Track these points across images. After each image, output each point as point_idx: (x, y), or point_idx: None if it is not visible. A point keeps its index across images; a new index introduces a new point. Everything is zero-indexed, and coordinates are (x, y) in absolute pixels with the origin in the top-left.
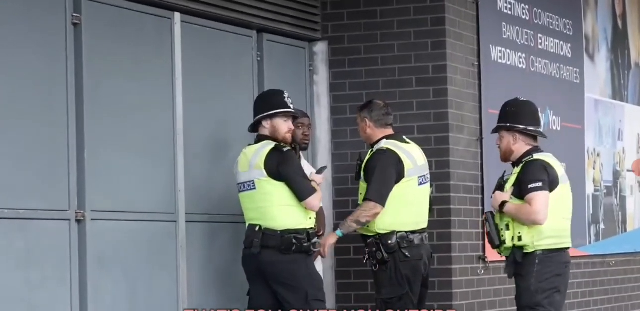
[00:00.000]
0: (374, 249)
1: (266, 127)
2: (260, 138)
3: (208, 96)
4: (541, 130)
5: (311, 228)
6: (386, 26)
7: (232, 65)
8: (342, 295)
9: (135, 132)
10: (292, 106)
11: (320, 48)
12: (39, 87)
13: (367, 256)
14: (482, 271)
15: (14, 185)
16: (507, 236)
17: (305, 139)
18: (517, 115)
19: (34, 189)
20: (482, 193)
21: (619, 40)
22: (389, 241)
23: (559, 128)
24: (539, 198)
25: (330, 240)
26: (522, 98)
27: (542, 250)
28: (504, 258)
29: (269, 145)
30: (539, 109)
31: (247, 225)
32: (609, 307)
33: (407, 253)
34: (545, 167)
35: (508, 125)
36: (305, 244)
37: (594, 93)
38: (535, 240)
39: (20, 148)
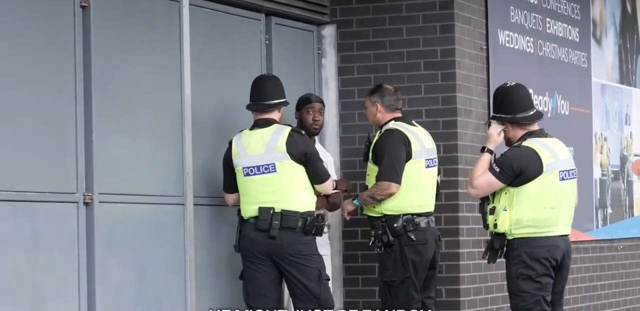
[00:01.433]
0: (380, 232)
1: (279, 113)
2: (266, 122)
3: (216, 79)
4: (534, 111)
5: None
6: (394, 10)
7: (241, 49)
8: (349, 278)
9: (144, 115)
10: None
11: (329, 31)
12: (47, 70)
13: (373, 239)
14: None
15: (22, 168)
16: (490, 221)
17: (315, 124)
18: (506, 104)
19: (41, 172)
20: None
21: (628, 25)
22: (395, 224)
23: (567, 113)
24: (484, 176)
25: (348, 206)
26: (510, 83)
27: (521, 238)
28: None
29: (285, 129)
30: (547, 93)
31: (253, 208)
32: (616, 291)
33: (412, 237)
34: (522, 157)
35: (497, 115)
36: (321, 225)
37: (601, 78)
38: (513, 228)
39: (28, 131)
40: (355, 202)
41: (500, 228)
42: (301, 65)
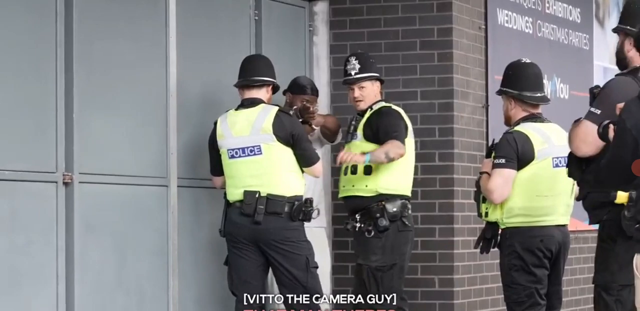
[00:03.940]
0: (378, 215)
1: (268, 92)
2: (252, 101)
3: (203, 57)
4: (542, 94)
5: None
6: None
7: (229, 25)
8: (338, 265)
9: (127, 93)
10: None
11: (321, 8)
12: (27, 47)
13: (363, 224)
14: None
15: (1, 146)
16: (482, 209)
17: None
18: (515, 79)
19: (20, 150)
20: None
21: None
22: (393, 209)
23: (566, 97)
24: (494, 177)
25: (359, 158)
26: (525, 60)
27: (513, 227)
28: None
29: (272, 109)
30: (546, 76)
31: (238, 192)
32: None
33: (406, 222)
34: (516, 140)
35: (503, 89)
36: (309, 210)
37: (603, 61)
38: (505, 217)
39: (6, 108)
40: (367, 157)
41: (492, 217)
42: (292, 42)
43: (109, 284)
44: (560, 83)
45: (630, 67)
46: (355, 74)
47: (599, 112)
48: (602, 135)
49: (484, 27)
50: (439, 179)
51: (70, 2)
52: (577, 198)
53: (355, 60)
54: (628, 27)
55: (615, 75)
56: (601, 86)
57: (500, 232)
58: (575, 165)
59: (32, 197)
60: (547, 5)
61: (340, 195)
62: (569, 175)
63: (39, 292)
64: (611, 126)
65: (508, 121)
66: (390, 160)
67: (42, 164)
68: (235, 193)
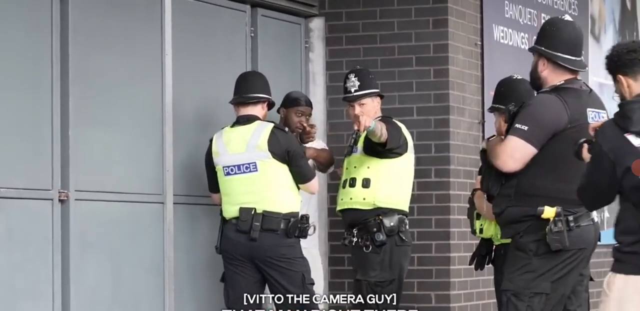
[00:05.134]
0: (375, 229)
1: (263, 109)
2: (248, 118)
3: (199, 73)
4: None
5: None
6: (386, 2)
7: (225, 41)
8: (334, 282)
9: (123, 109)
10: None
11: (317, 24)
12: (23, 62)
13: (360, 238)
14: None
15: None
16: (476, 226)
17: (299, 128)
18: (507, 96)
19: (15, 167)
20: None
21: (627, 22)
22: (391, 224)
23: None
24: None
25: (366, 122)
26: (517, 77)
27: (507, 244)
28: None
29: (267, 125)
30: None
31: (234, 209)
32: None
33: (403, 238)
34: None
35: (495, 106)
36: (305, 227)
37: (599, 77)
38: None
39: (3, 125)
40: (373, 123)
41: (487, 233)
42: (288, 58)
43: (105, 301)
44: None
45: (550, 86)
46: (355, 91)
47: (526, 128)
48: (576, 153)
49: (479, 43)
50: (435, 195)
51: (65, 19)
52: (493, 212)
53: (355, 77)
54: (542, 48)
55: (538, 93)
56: (517, 104)
57: (494, 248)
58: (494, 179)
59: (28, 214)
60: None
61: (338, 208)
62: (486, 190)
63: (35, 309)
64: (585, 145)
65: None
66: (381, 137)
67: (38, 181)
68: (231, 210)
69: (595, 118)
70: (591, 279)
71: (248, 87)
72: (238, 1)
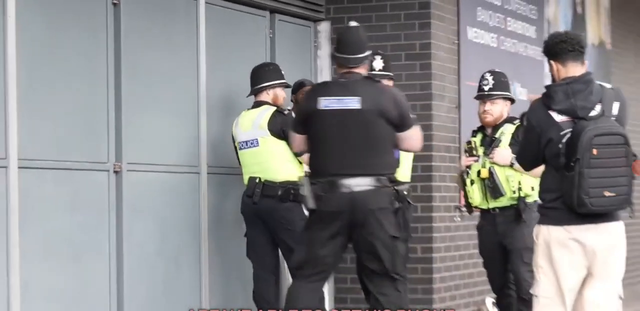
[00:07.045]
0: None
1: (269, 94)
2: (259, 104)
3: (227, 67)
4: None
5: None
6: (380, 9)
7: (248, 41)
8: (339, 297)
9: (165, 96)
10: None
11: (324, 27)
12: (84, 59)
13: None
14: (458, 219)
15: (63, 140)
16: (506, 188)
17: None
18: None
19: (78, 144)
20: (459, 153)
21: (578, 24)
22: (405, 191)
23: (524, 98)
24: None
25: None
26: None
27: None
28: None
29: (270, 109)
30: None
31: (247, 177)
32: None
33: (410, 201)
34: None
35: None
36: (297, 192)
37: None
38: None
39: (68, 110)
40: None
41: (526, 190)
42: (300, 55)
43: (152, 255)
44: (520, 87)
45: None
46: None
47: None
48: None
49: (457, 42)
50: (420, 166)
51: (118, 23)
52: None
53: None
54: (336, 53)
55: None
56: None
57: (522, 204)
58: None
59: (88, 183)
60: (508, 23)
61: None
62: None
63: (95, 263)
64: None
65: (497, 120)
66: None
67: (96, 156)
68: (245, 179)
69: (329, 105)
70: None
71: (256, 79)
72: (259, 8)
